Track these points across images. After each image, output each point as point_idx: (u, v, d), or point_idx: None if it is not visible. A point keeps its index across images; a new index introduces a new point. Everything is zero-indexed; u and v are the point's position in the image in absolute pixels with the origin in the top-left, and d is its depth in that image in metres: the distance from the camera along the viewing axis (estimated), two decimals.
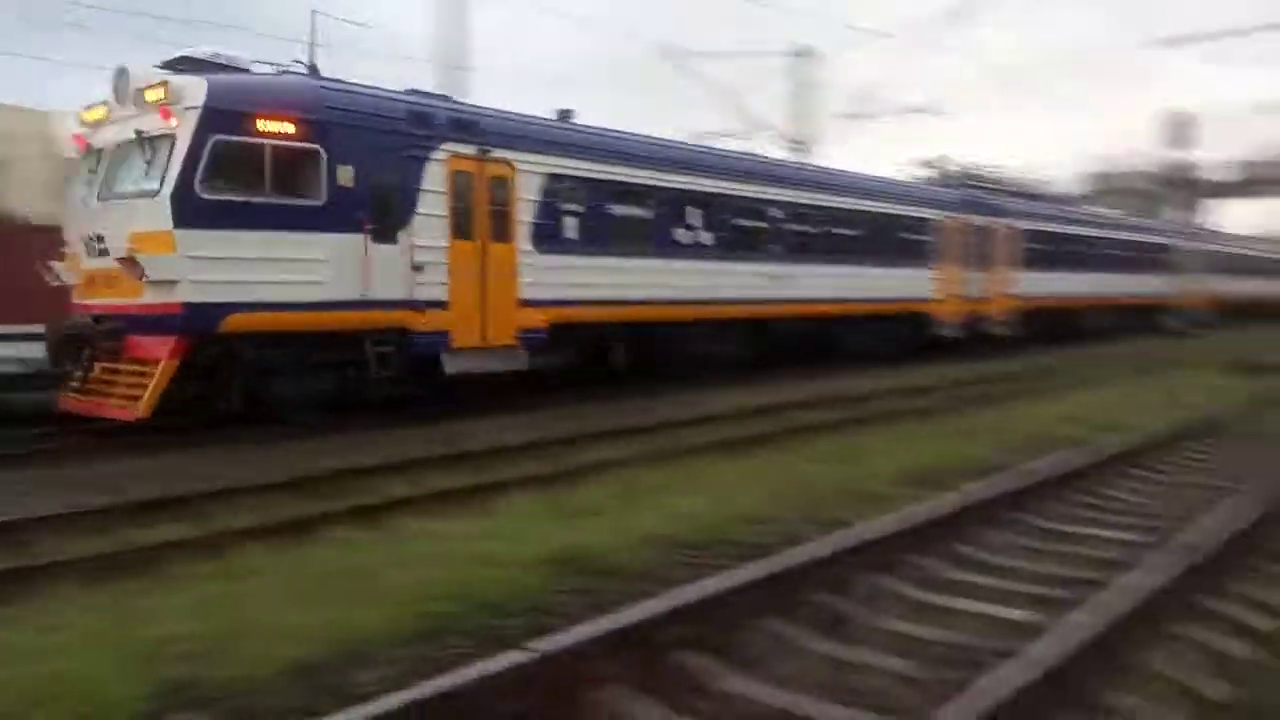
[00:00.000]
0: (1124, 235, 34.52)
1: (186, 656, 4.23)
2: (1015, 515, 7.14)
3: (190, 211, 11.21)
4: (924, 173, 27.30)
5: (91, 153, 12.68)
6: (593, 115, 16.23)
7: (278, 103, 11.98)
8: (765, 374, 18.59)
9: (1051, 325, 28.49)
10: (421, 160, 13.16)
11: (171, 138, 11.40)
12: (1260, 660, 4.50)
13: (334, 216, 12.20)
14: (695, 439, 11.32)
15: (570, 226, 15.05)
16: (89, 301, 12.19)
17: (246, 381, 12.01)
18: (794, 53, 30.60)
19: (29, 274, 12.52)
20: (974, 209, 25.44)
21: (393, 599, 4.96)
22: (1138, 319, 33.32)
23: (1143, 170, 54.43)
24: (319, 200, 12.10)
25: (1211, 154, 58.57)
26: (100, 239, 11.82)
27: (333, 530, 7.11)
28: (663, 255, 16.56)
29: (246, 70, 12.67)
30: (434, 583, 5.21)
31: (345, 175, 12.20)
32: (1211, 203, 60.24)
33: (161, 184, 11.28)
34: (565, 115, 16.66)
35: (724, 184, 17.92)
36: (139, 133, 11.56)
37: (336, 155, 12.21)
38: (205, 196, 11.35)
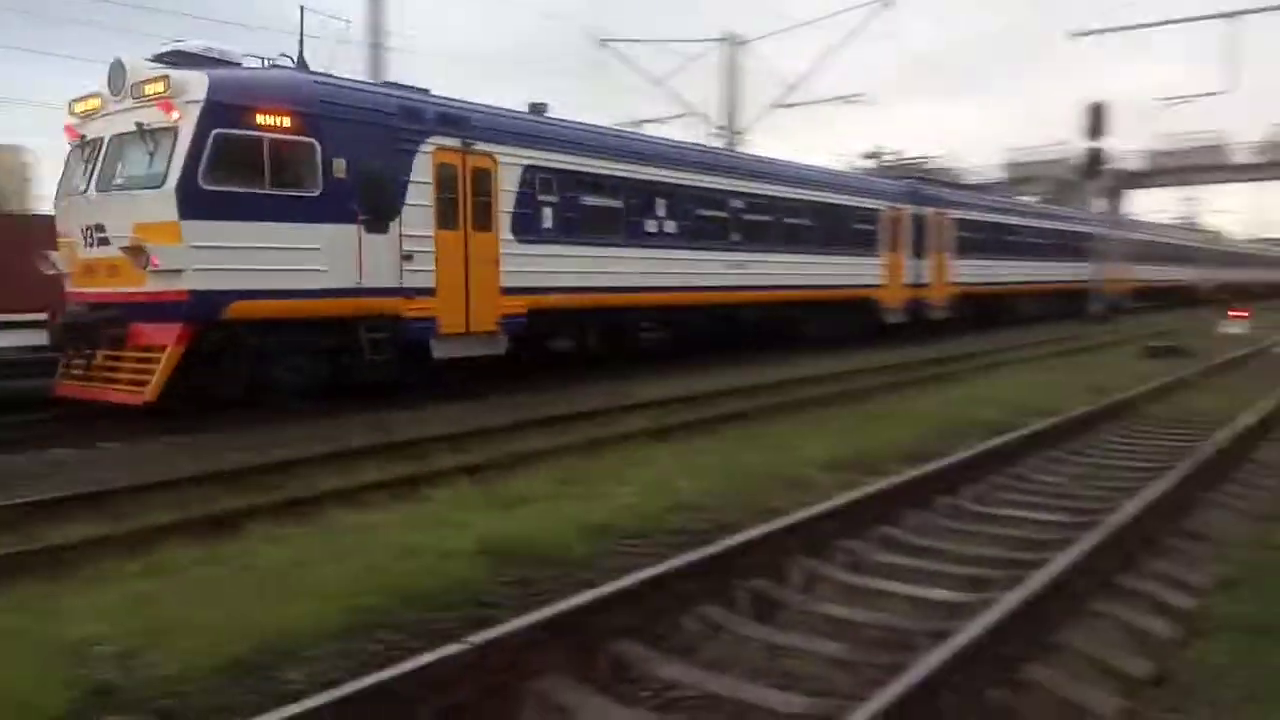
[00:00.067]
0: (1050, 224, 35.23)
1: (111, 657, 3.96)
2: (945, 499, 6.99)
3: (194, 202, 11.26)
4: (865, 164, 28.15)
5: (85, 143, 12.53)
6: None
7: (275, 97, 12.08)
8: (704, 361, 17.97)
9: (985, 310, 29.14)
10: (410, 153, 13.32)
11: (174, 131, 11.38)
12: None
13: (329, 207, 12.31)
14: (631, 426, 10.86)
15: (547, 217, 15.26)
16: (85, 290, 12.13)
17: (248, 367, 12.03)
18: (723, 39, 30.81)
19: None
20: (914, 199, 25.94)
21: (323, 594, 4.66)
22: (1064, 304, 33.93)
23: (1059, 160, 56.07)
24: (315, 191, 12.22)
25: (1124, 144, 60.53)
26: (100, 229, 11.78)
27: (262, 525, 6.65)
28: (633, 244, 16.85)
29: (238, 64, 12.65)
30: (366, 576, 4.92)
31: (339, 167, 12.36)
32: (1126, 191, 62.28)
33: (166, 176, 11.30)
34: (539, 109, 16.77)
35: (688, 176, 18.23)
36: (139, 125, 11.52)
37: (331, 148, 12.32)
38: (208, 188, 11.38)
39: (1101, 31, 27.04)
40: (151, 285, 11.31)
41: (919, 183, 28.02)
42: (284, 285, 11.86)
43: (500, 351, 14.56)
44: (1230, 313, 26.53)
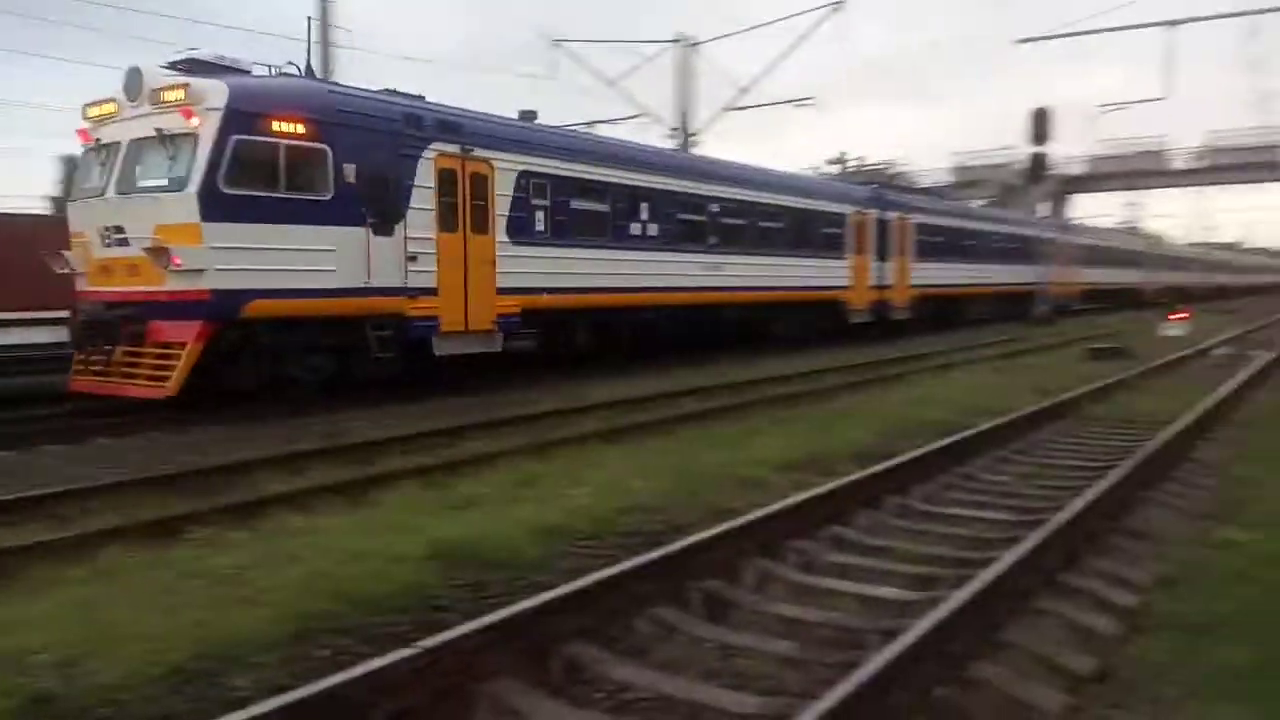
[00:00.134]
0: (1003, 229, 35.75)
1: (51, 666, 3.70)
2: (895, 498, 6.91)
3: (214, 205, 11.45)
4: (829, 169, 28.61)
5: (100, 147, 12.62)
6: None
7: (291, 105, 12.30)
8: (666, 361, 17.66)
9: (941, 311, 29.62)
10: (414, 159, 13.57)
11: (194, 136, 11.53)
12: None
13: (340, 210, 12.55)
14: (586, 427, 10.54)
15: (540, 220, 15.61)
16: (100, 289, 12.21)
17: (261, 364, 12.25)
18: (676, 41, 30.80)
19: None
20: (878, 204, 26.38)
21: (271, 599, 4.40)
22: (1014, 305, 34.43)
23: (1005, 164, 56.97)
24: (326, 195, 12.45)
25: (1068, 148, 61.59)
26: (119, 229, 11.89)
27: (207, 529, 6.30)
28: (618, 246, 17.23)
29: (248, 72, 12.84)
30: (314, 581, 4.64)
31: (349, 172, 12.61)
32: (1070, 195, 63.41)
33: (188, 179, 11.44)
34: (529, 116, 17.28)
35: (670, 181, 18.60)
36: (159, 130, 11.66)
37: (342, 154, 12.55)
38: (227, 191, 11.56)
39: (1045, 38, 27.45)
40: (172, 284, 11.41)
41: (882, 188, 28.49)
42: (298, 285, 12.07)
43: (496, 349, 14.77)
44: (1170, 315, 27.10)
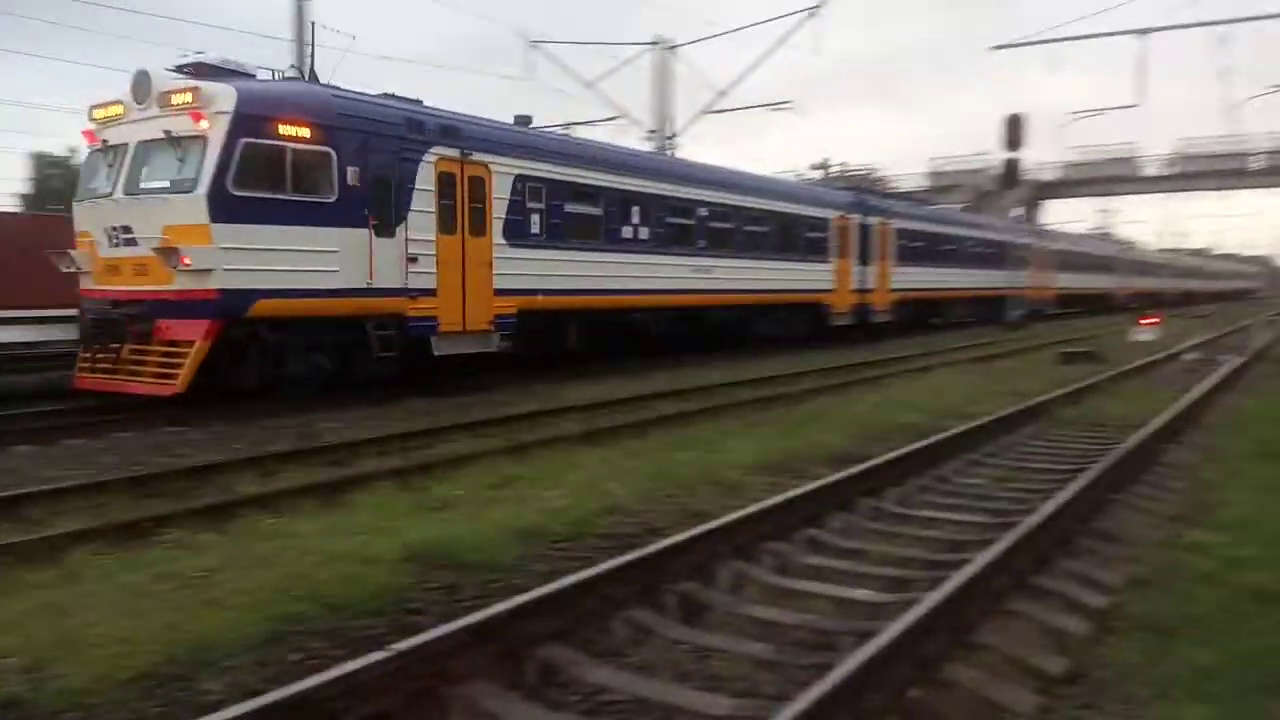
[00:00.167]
0: (980, 234, 35.86)
1: (19, 670, 3.61)
2: (869, 501, 6.86)
3: (223, 207, 11.55)
4: (813, 174, 28.83)
5: (107, 148, 12.64)
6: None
7: (296, 109, 12.40)
8: (639, 364, 17.46)
9: (920, 314, 29.90)
10: (415, 162, 13.68)
11: (203, 139, 11.59)
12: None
13: (343, 212, 12.67)
14: (562, 429, 10.34)
15: (535, 223, 15.79)
16: (105, 288, 12.25)
17: (265, 362, 12.34)
18: (654, 43, 30.77)
19: None
20: (861, 209, 26.58)
21: (243, 602, 4.28)
22: (991, 309, 34.74)
23: (979, 169, 57.44)
24: (331, 198, 12.55)
25: (1042, 155, 62.21)
26: (127, 229, 11.94)
27: (178, 531, 6.15)
28: (610, 249, 17.42)
29: (253, 76, 12.91)
30: (287, 584, 4.52)
31: (353, 175, 12.73)
32: (1043, 201, 64.01)
33: (197, 181, 11.51)
34: (524, 121, 17.34)
35: (660, 185, 18.79)
36: (168, 132, 11.72)
37: (346, 157, 12.66)
38: (236, 193, 11.64)
39: (1020, 45, 27.64)
40: (181, 284, 11.47)
41: (864, 193, 28.63)
42: (302, 285, 12.17)
43: (493, 349, 14.92)
44: (1141, 320, 27.36)
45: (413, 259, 13.51)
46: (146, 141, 12.08)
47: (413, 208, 13.58)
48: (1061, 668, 3.98)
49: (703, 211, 19.92)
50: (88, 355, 12.07)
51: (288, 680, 3.41)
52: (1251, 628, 4.27)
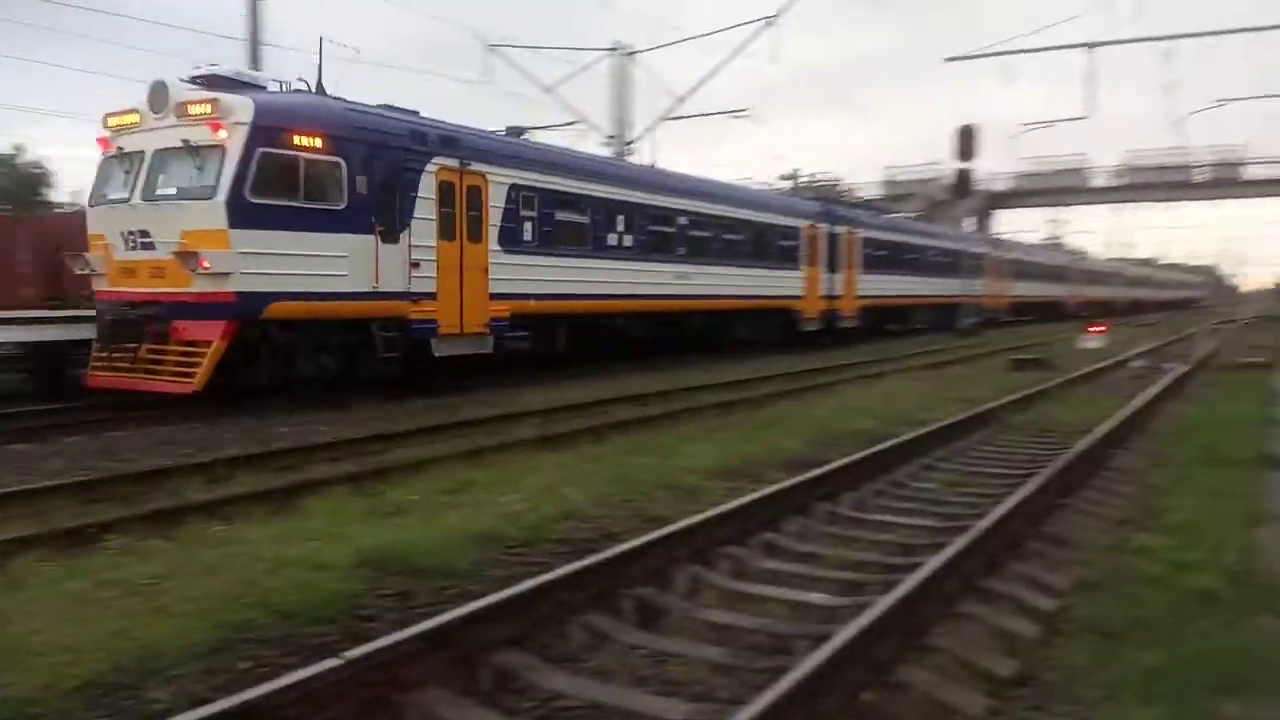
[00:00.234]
0: (939, 243, 36.49)
1: None
2: (824, 505, 6.78)
3: (241, 213, 11.85)
4: (782, 184, 29.22)
5: (123, 155, 12.84)
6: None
7: (310, 120, 12.74)
8: (598, 368, 17.37)
9: (882, 321, 30.42)
10: (418, 172, 14.03)
11: (222, 148, 11.89)
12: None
13: (352, 219, 13.04)
14: (519, 434, 10.01)
15: (528, 230, 16.19)
16: (121, 289, 12.45)
17: (277, 362, 12.63)
18: (613, 49, 30.78)
19: None
20: (828, 219, 27.04)
21: (191, 609, 4.07)
22: (948, 316, 35.42)
23: (933, 179, 58.21)
24: (340, 205, 12.92)
25: (994, 165, 63.10)
26: (145, 234, 12.21)
27: (125, 538, 5.85)
28: (597, 256, 17.87)
29: (264, 87, 13.22)
30: (237, 591, 4.31)
31: (361, 184, 13.09)
32: (995, 211, 64.96)
33: (216, 188, 11.79)
34: (517, 132, 17.83)
35: (644, 195, 19.21)
36: (186, 141, 12.02)
37: (354, 167, 13.00)
38: (253, 200, 11.93)
39: (973, 57, 28.06)
40: (199, 286, 11.71)
41: (832, 203, 29.04)
42: (314, 288, 12.50)
43: (488, 350, 15.32)
44: (1089, 328, 27.84)
45: (415, 264, 13.91)
46: (163, 150, 12.32)
47: (415, 215, 13.94)
48: (1011, 670, 3.99)
49: (683, 220, 20.45)
50: (103, 354, 12.22)
51: (237, 689, 3.22)
52: (1198, 629, 4.26)
